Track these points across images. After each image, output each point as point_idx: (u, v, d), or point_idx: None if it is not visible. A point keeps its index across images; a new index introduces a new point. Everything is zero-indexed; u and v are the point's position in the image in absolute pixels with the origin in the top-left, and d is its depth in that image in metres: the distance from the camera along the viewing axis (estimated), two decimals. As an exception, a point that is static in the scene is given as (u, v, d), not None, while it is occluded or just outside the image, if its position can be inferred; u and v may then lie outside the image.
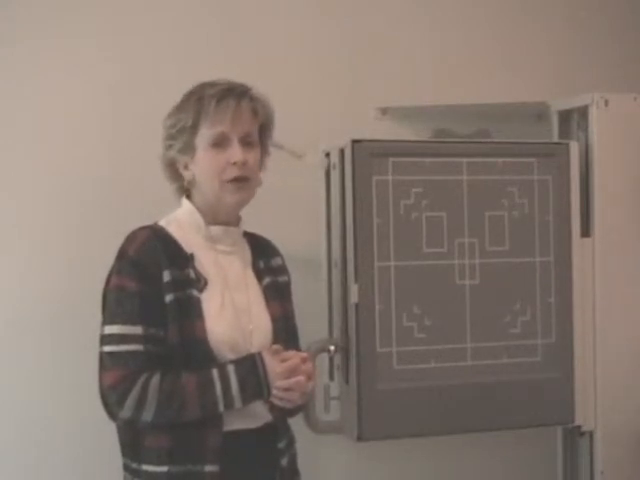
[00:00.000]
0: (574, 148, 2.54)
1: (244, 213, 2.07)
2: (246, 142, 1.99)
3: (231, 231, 2.04)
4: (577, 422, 2.55)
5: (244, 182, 1.98)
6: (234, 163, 1.96)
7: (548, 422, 2.59)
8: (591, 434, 2.58)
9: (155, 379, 1.86)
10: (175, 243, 1.97)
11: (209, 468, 1.89)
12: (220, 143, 1.97)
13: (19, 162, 2.50)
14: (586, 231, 2.56)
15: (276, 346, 1.96)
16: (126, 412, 1.86)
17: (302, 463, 2.12)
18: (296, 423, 2.16)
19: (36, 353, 2.50)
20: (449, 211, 2.45)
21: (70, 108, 2.53)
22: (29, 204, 2.51)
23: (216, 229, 2.01)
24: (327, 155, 2.48)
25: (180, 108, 2.00)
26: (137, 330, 1.88)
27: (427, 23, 2.84)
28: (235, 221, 2.06)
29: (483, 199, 2.47)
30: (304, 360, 1.95)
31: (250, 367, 1.90)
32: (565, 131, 2.67)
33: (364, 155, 2.36)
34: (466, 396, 2.44)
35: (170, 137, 2.00)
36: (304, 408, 2.21)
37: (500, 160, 2.49)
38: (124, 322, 1.88)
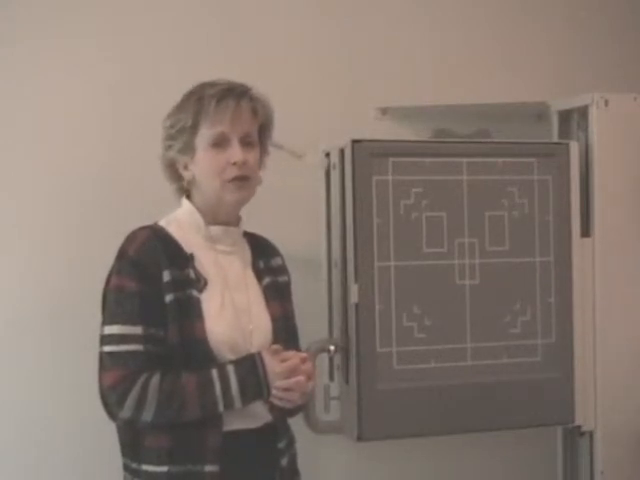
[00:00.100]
0: (574, 148, 2.54)
1: (244, 213, 2.07)
2: (246, 142, 1.99)
3: (231, 231, 2.04)
4: (577, 422, 2.55)
5: (244, 181, 1.98)
6: (234, 163, 1.96)
7: (548, 422, 2.59)
8: (591, 434, 2.58)
9: (155, 379, 1.86)
10: (175, 243, 1.97)
11: (209, 468, 1.89)
12: (220, 143, 1.97)
13: (19, 162, 2.50)
14: (586, 231, 2.56)
15: (276, 346, 1.96)
16: (126, 412, 1.86)
17: (302, 463, 2.12)
18: (296, 423, 2.16)
19: (36, 353, 2.50)
20: (449, 211, 2.44)
21: (70, 108, 2.53)
22: (29, 204, 2.51)
23: (216, 229, 2.01)
24: (327, 155, 2.48)
25: (180, 108, 2.00)
26: (137, 330, 1.88)
27: (427, 23, 2.84)
28: (235, 221, 2.06)
29: (483, 199, 2.47)
30: (304, 360, 1.95)
31: (250, 367, 1.90)
32: (565, 131, 2.67)
33: (364, 155, 2.36)
34: (466, 396, 2.44)
35: (170, 137, 2.00)
36: (304, 408, 2.21)
37: (500, 160, 2.48)
38: (124, 322, 1.88)
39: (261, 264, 2.10)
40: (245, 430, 1.94)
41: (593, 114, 2.54)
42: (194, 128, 1.97)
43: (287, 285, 2.15)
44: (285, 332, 2.06)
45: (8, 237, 2.50)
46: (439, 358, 2.43)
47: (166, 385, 1.86)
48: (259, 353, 1.93)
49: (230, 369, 1.89)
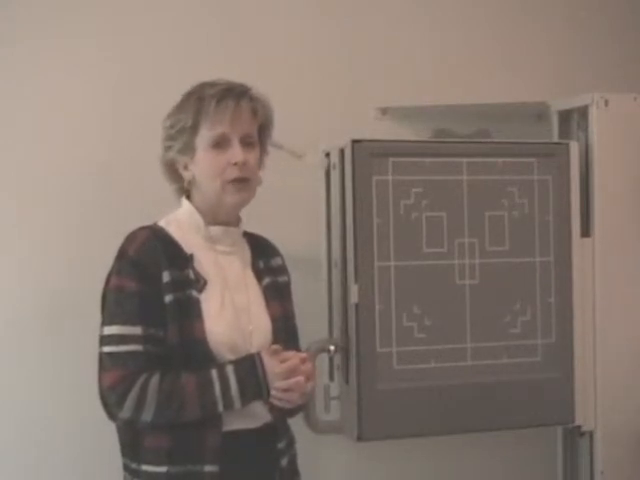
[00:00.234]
0: (574, 148, 2.54)
1: (244, 213, 2.07)
2: (246, 142, 1.99)
3: (231, 231, 2.04)
4: (577, 422, 2.55)
5: (245, 183, 1.98)
6: (235, 164, 1.96)
7: (548, 422, 2.59)
8: (591, 434, 2.58)
9: (154, 379, 1.86)
10: (175, 243, 1.97)
11: (209, 468, 1.89)
12: (220, 144, 1.97)
13: (19, 162, 2.50)
14: (586, 231, 2.56)
15: (275, 346, 1.95)
16: (126, 412, 1.86)
17: (302, 463, 2.12)
18: (296, 423, 2.16)
19: (36, 353, 2.50)
20: (449, 211, 2.44)
21: (70, 108, 2.53)
22: (29, 204, 2.51)
23: (216, 229, 2.01)
24: (327, 155, 2.47)
25: (179, 108, 2.00)
26: (136, 330, 1.88)
27: (427, 23, 2.84)
28: (235, 221, 2.06)
29: (483, 199, 2.47)
30: (303, 360, 1.95)
31: (249, 368, 1.90)
32: (565, 131, 2.67)
33: (364, 155, 2.36)
34: (466, 396, 2.44)
35: (170, 138, 2.00)
36: (304, 408, 2.20)
37: (500, 160, 2.48)
38: (124, 322, 1.88)
39: (261, 264, 2.10)
40: (245, 430, 1.94)
41: (593, 114, 2.54)
42: (194, 128, 1.97)
43: (287, 285, 2.15)
44: (285, 332, 2.06)
45: (8, 237, 2.50)
46: (439, 358, 2.43)
47: (166, 385, 1.86)
48: (258, 353, 1.92)
49: (229, 369, 1.89)
